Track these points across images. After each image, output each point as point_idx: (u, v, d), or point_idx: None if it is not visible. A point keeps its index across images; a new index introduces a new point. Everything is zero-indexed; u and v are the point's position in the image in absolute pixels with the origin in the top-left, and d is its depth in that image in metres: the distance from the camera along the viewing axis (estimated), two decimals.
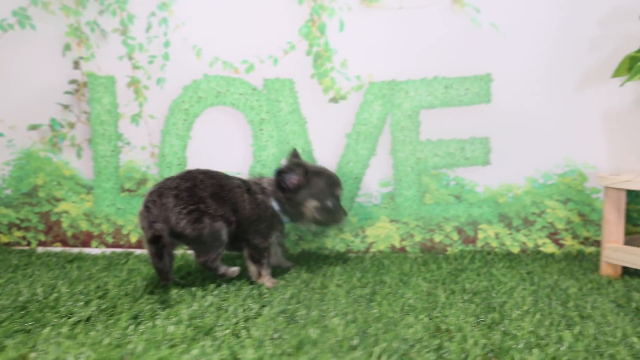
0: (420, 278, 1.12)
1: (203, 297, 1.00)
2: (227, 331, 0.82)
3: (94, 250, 1.45)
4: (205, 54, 1.38)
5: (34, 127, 1.44)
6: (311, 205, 1.14)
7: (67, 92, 1.42)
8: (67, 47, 1.41)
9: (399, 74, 1.34)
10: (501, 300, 0.96)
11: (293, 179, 1.12)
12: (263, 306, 0.96)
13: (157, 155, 1.42)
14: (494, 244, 1.35)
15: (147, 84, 1.40)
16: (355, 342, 0.76)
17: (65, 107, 1.43)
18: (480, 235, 1.36)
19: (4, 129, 1.45)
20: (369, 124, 1.35)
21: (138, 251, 1.44)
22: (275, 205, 1.14)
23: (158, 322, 0.87)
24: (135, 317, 0.90)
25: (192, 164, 1.41)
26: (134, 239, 1.46)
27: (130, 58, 1.40)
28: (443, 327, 0.82)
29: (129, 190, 1.44)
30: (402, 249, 1.38)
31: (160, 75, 1.40)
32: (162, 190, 1.04)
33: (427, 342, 0.75)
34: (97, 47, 1.40)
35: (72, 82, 1.42)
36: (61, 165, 1.45)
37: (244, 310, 0.93)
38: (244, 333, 0.81)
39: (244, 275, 1.11)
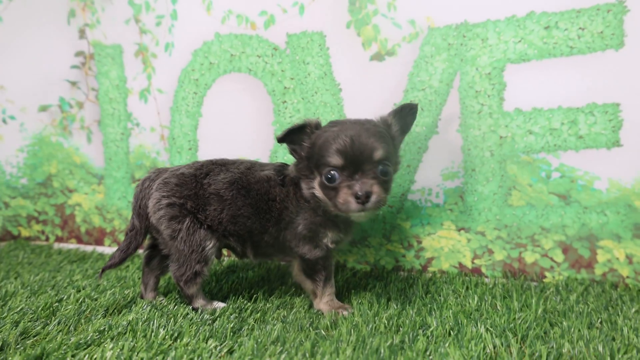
0: (488, 324, 0.70)
1: (157, 328, 0.71)
2: None
3: (107, 249, 1.25)
4: (217, 7, 1.08)
5: (44, 108, 1.28)
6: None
7: (75, 67, 1.23)
8: (72, 14, 1.21)
9: (474, 12, 0.91)
10: None
11: None
12: (231, 352, 0.64)
13: (167, 139, 1.16)
14: (626, 272, 0.86)
15: (155, 51, 1.15)
16: None
17: (73, 84, 1.24)
18: (601, 258, 0.87)
19: (14, 111, 1.30)
20: (428, 89, 0.95)
21: None
22: (318, 192, 0.74)
23: None
24: (37, 358, 0.63)
25: (204, 148, 1.13)
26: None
27: (137, 21, 1.16)
28: None
29: (139, 181, 1.21)
30: (476, 271, 0.95)
31: (168, 40, 1.13)
32: (158, 172, 0.84)
33: None
34: (102, 11, 1.19)
35: (79, 54, 1.22)
36: (72, 152, 1.27)
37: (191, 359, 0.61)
38: None
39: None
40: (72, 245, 1.30)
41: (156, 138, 1.18)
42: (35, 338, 0.70)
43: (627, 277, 0.86)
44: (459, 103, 0.93)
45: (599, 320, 0.71)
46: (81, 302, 0.84)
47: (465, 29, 0.91)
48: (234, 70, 1.08)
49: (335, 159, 0.69)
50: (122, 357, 0.61)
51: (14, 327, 0.72)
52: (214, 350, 0.64)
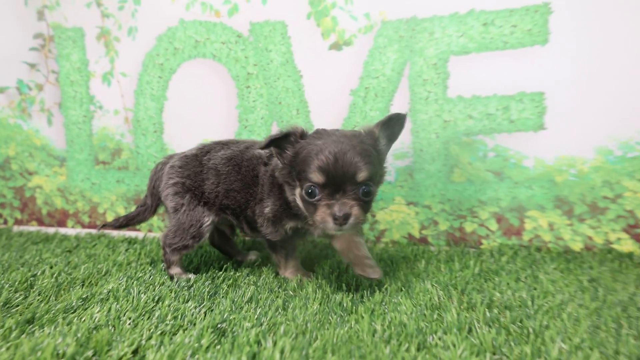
0: (434, 281, 0.81)
1: (137, 294, 0.77)
2: (127, 349, 0.58)
3: (70, 231, 1.27)
4: None
5: (0, 91, 1.27)
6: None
7: (33, 49, 1.23)
8: None
9: (422, 8, 1.01)
10: (542, 323, 0.63)
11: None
12: (206, 312, 0.71)
13: (131, 121, 1.20)
14: (547, 237, 1.00)
15: (118, 35, 1.18)
16: None
17: (32, 66, 1.24)
18: (528, 226, 1.01)
19: None
20: (381, 77, 1.04)
21: (114, 233, 1.24)
22: (299, 201, 0.76)
23: (50, 329, 0.64)
24: (29, 322, 0.68)
25: (169, 131, 1.18)
26: (110, 218, 1.25)
27: (99, 4, 1.18)
28: None
29: (103, 163, 1.24)
30: (423, 240, 1.07)
31: (131, 24, 1.17)
32: (170, 157, 0.92)
33: None
34: None
35: (38, 36, 1.23)
36: (31, 134, 1.27)
37: (174, 317, 0.68)
38: (149, 354, 0.56)
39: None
40: (32, 228, 1.31)
41: (120, 120, 1.21)
42: (18, 307, 0.74)
43: (549, 241, 1.00)
44: (408, 90, 1.03)
45: (525, 276, 0.84)
46: (57, 276, 0.88)
47: (415, 23, 1.01)
48: (198, 56, 1.13)
49: (317, 177, 0.67)
50: (110, 318, 0.67)
51: None
52: (194, 310, 0.71)
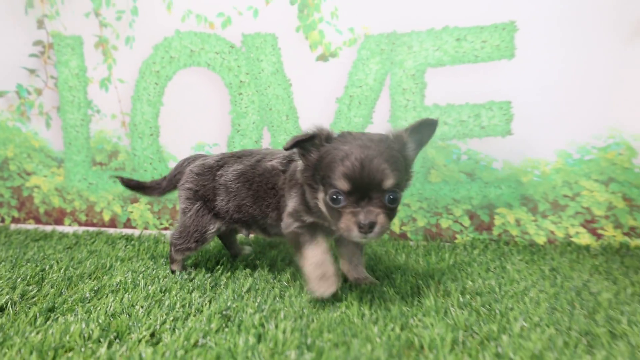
0: (413, 272, 0.90)
1: (145, 285, 0.84)
2: (146, 333, 0.65)
3: (67, 229, 1.33)
4: (177, 6, 1.19)
5: (0, 95, 1.32)
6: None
7: (33, 55, 1.29)
8: (30, 4, 1.27)
9: (401, 24, 1.10)
10: (507, 305, 0.73)
11: None
12: (210, 301, 0.78)
13: (128, 125, 1.27)
14: (514, 232, 1.11)
15: (116, 43, 1.24)
16: (292, 356, 0.57)
17: (32, 71, 1.30)
18: (498, 222, 1.12)
19: None
20: (365, 86, 1.13)
21: (111, 230, 1.30)
22: (322, 206, 0.75)
23: (72, 317, 0.71)
24: (50, 310, 0.75)
25: (165, 134, 1.25)
26: (107, 217, 1.32)
27: (97, 14, 1.24)
28: (416, 343, 0.61)
29: (100, 164, 1.30)
30: (403, 236, 1.17)
31: (129, 34, 1.23)
32: (195, 157, 0.96)
33: None
34: (61, 4, 1.25)
35: (37, 43, 1.28)
36: (30, 136, 1.33)
37: (183, 306, 0.75)
38: (165, 337, 0.64)
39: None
40: (30, 226, 1.36)
41: (117, 124, 1.27)
42: (34, 299, 0.80)
43: (516, 236, 1.11)
44: (389, 98, 1.13)
45: (494, 266, 0.95)
46: (64, 270, 0.94)
47: (395, 37, 1.11)
48: (193, 65, 1.21)
49: (342, 184, 0.65)
50: (124, 306, 0.74)
51: (12, 291, 0.82)
52: (199, 299, 0.79)
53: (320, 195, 0.70)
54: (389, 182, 0.65)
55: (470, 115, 1.10)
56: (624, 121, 1.03)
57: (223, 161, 0.90)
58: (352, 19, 1.12)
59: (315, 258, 0.74)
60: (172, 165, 1.25)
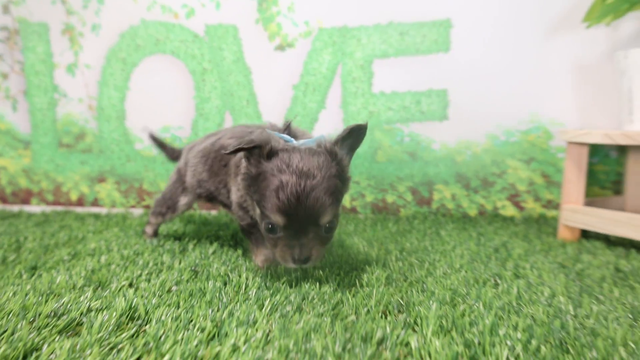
0: (361, 238, 1.03)
1: (119, 249, 0.93)
2: (125, 282, 0.75)
3: (34, 208, 1.38)
4: None
5: None
6: None
7: None
8: None
9: (351, 19, 1.22)
10: (435, 258, 0.87)
11: None
12: (180, 261, 0.88)
13: (95, 108, 1.33)
14: (450, 205, 1.26)
15: (82, 30, 1.30)
16: (254, 293, 0.68)
17: None
18: (436, 197, 1.26)
19: None
20: (318, 75, 1.25)
21: (79, 209, 1.37)
22: (259, 222, 0.75)
23: (55, 273, 0.79)
24: (33, 268, 0.82)
25: (131, 117, 1.32)
26: (74, 196, 1.38)
27: (64, 2, 1.30)
28: (357, 283, 0.73)
29: (67, 146, 1.36)
30: (353, 210, 1.29)
31: (95, 21, 1.30)
32: (199, 140, 1.00)
33: (324, 296, 0.66)
34: None
35: (3, 29, 1.33)
36: None
37: (155, 264, 0.85)
38: (142, 285, 0.73)
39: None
40: None
41: (84, 108, 1.34)
42: (15, 262, 0.88)
43: (452, 209, 1.26)
44: (340, 86, 1.25)
45: (430, 232, 1.09)
46: (39, 240, 1.01)
47: (345, 31, 1.23)
48: (159, 52, 1.29)
49: (277, 218, 0.63)
50: (102, 264, 0.83)
51: None
52: (170, 260, 0.88)
53: (257, 213, 0.69)
54: (326, 219, 0.64)
55: (412, 101, 1.23)
56: (543, 108, 1.20)
57: (200, 140, 0.98)
58: (307, 12, 1.23)
59: (263, 254, 0.80)
60: (138, 147, 1.33)
